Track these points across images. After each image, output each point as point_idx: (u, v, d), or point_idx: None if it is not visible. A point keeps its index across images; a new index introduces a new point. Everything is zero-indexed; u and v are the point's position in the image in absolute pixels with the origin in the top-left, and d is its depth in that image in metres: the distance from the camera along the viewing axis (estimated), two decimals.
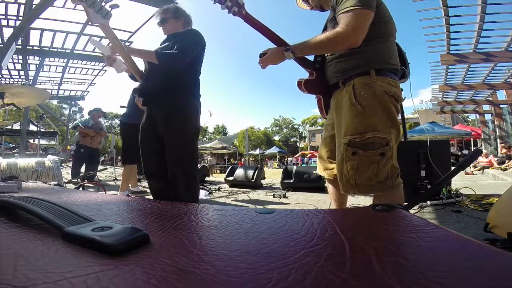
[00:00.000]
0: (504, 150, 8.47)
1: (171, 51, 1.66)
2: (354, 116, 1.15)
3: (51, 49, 8.35)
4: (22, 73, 9.92)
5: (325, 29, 1.33)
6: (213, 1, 1.34)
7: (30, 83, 8.79)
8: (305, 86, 1.35)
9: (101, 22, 1.50)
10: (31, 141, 10.27)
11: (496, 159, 7.94)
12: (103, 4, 1.48)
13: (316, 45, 1.17)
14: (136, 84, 1.88)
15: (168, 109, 1.69)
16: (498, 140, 11.16)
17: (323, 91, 1.39)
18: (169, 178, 1.69)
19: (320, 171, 1.49)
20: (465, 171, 7.07)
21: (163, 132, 1.72)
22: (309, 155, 24.65)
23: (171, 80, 1.70)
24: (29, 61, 9.10)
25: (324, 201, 3.14)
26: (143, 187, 4.09)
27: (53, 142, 11.92)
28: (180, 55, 1.67)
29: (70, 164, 5.92)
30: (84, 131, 4.97)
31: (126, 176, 3.38)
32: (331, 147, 1.38)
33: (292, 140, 48.50)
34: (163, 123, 1.71)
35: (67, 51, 8.57)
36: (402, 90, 3.68)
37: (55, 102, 30.85)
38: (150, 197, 2.12)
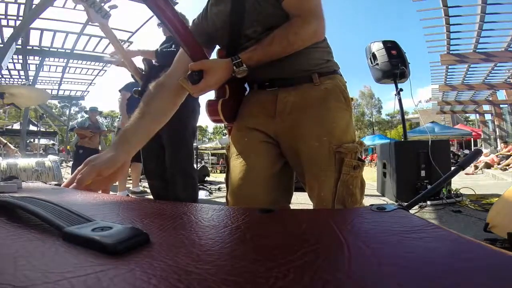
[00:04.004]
0: (504, 150, 8.47)
1: (170, 49, 1.68)
2: (349, 119, 0.90)
3: (51, 49, 8.37)
4: (22, 73, 9.94)
5: (237, 15, 0.90)
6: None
7: (30, 83, 8.80)
8: (223, 108, 0.89)
9: (101, 22, 1.55)
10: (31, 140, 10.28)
11: (497, 158, 7.94)
12: (102, 4, 1.51)
13: (279, 48, 0.81)
14: (134, 85, 1.92)
15: None
16: (498, 140, 11.17)
17: (235, 115, 0.98)
18: (167, 178, 1.71)
19: (238, 201, 0.90)
20: (465, 172, 7.08)
21: (161, 133, 1.72)
22: None
23: None
24: (29, 61, 9.11)
25: None
26: (143, 187, 4.09)
27: (52, 142, 11.93)
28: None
29: (70, 164, 5.92)
30: (81, 133, 4.97)
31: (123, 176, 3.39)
32: (270, 161, 0.92)
33: None
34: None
35: (67, 51, 8.59)
36: (402, 90, 3.64)
37: (57, 103, 30.79)
38: (150, 197, 2.13)
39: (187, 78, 0.78)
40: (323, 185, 0.84)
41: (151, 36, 1.95)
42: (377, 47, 3.36)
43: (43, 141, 11.68)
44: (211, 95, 0.94)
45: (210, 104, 0.90)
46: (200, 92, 0.82)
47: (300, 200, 3.40)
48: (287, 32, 0.81)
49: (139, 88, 1.84)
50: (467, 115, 21.20)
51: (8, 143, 3.09)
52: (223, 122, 0.94)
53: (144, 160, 1.85)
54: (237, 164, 0.93)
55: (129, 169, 3.60)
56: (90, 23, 7.04)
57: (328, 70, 0.91)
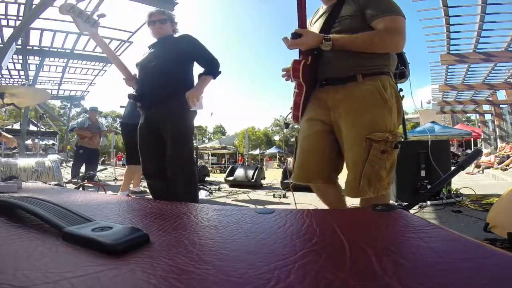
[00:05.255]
0: (503, 150, 8.45)
1: (215, 63, 1.83)
2: (387, 113, 1.10)
3: (51, 49, 8.35)
4: (22, 73, 9.92)
5: (327, 23, 1.21)
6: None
7: (30, 83, 8.79)
8: (304, 69, 1.18)
9: (90, 31, 1.59)
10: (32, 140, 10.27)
11: (496, 159, 7.93)
12: (89, 14, 1.56)
13: (365, 47, 1.09)
14: (130, 89, 1.92)
15: (167, 111, 1.72)
16: (498, 140, 11.16)
17: (310, 80, 1.25)
18: (168, 177, 1.71)
19: (300, 179, 1.26)
20: (465, 172, 7.07)
21: (163, 133, 1.74)
22: None
23: (167, 83, 1.74)
24: (29, 61, 9.09)
25: None
26: (143, 187, 4.09)
27: (52, 142, 11.92)
28: (218, 62, 1.85)
29: (70, 164, 5.92)
30: (81, 133, 4.96)
31: (128, 176, 3.36)
32: (325, 145, 1.22)
33: (292, 140, 48.55)
34: (162, 125, 1.74)
35: (67, 51, 8.58)
36: (401, 90, 3.67)
37: (59, 103, 30.68)
38: (150, 197, 2.13)
39: (290, 35, 1.13)
40: (354, 161, 1.11)
41: (151, 36, 1.94)
42: None
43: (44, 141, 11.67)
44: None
45: (296, 61, 1.19)
46: (294, 46, 1.14)
47: (300, 200, 3.40)
48: (375, 35, 1.08)
49: (134, 93, 1.84)
50: (467, 115, 21.19)
51: (3, 132, 2.98)
52: (300, 78, 1.20)
53: (144, 160, 1.84)
54: (305, 145, 1.25)
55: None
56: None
57: (372, 72, 1.13)
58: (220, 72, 1.85)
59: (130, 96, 1.82)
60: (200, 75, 1.83)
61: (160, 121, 1.73)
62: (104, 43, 1.75)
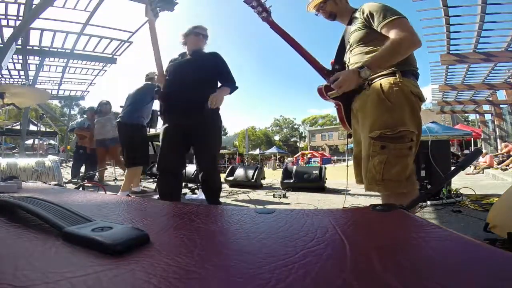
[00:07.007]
0: (505, 150, 8.45)
1: (233, 82, 2.05)
2: (384, 111, 1.18)
3: (51, 49, 8.35)
4: (22, 73, 9.92)
5: (343, 41, 1.47)
6: (247, 4, 1.46)
7: (30, 83, 8.79)
8: (327, 92, 1.36)
9: (151, 19, 1.79)
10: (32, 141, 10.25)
11: (496, 159, 7.93)
12: (157, 5, 1.77)
13: (391, 55, 1.17)
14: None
15: (202, 118, 1.89)
16: (498, 140, 11.15)
17: (342, 97, 1.41)
18: (203, 175, 1.96)
19: (358, 181, 1.43)
20: (465, 172, 7.06)
21: (192, 137, 1.94)
22: (309, 155, 24.66)
23: (203, 92, 1.90)
24: (29, 61, 9.09)
25: (324, 201, 3.13)
26: (143, 187, 4.09)
27: (52, 142, 11.90)
28: (235, 82, 2.08)
29: (70, 164, 5.92)
30: (81, 133, 4.96)
31: (129, 177, 3.33)
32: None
33: (292, 140, 48.57)
34: (195, 130, 1.93)
35: (67, 51, 8.57)
36: None
37: (57, 103, 30.66)
38: (151, 197, 2.14)
39: (331, 83, 1.26)
40: (363, 158, 1.25)
41: (182, 46, 2.08)
42: None
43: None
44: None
45: (318, 89, 1.41)
46: (338, 87, 1.23)
47: (300, 200, 3.40)
48: (392, 44, 1.16)
49: (161, 89, 2.03)
50: (467, 115, 21.17)
51: None
52: (326, 98, 1.40)
53: (165, 152, 1.95)
54: (355, 152, 1.44)
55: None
56: (90, 23, 7.06)
57: (374, 77, 1.24)
58: (236, 88, 2.07)
59: (158, 92, 1.94)
60: (220, 86, 2.04)
61: (193, 126, 1.91)
62: (155, 34, 1.87)
